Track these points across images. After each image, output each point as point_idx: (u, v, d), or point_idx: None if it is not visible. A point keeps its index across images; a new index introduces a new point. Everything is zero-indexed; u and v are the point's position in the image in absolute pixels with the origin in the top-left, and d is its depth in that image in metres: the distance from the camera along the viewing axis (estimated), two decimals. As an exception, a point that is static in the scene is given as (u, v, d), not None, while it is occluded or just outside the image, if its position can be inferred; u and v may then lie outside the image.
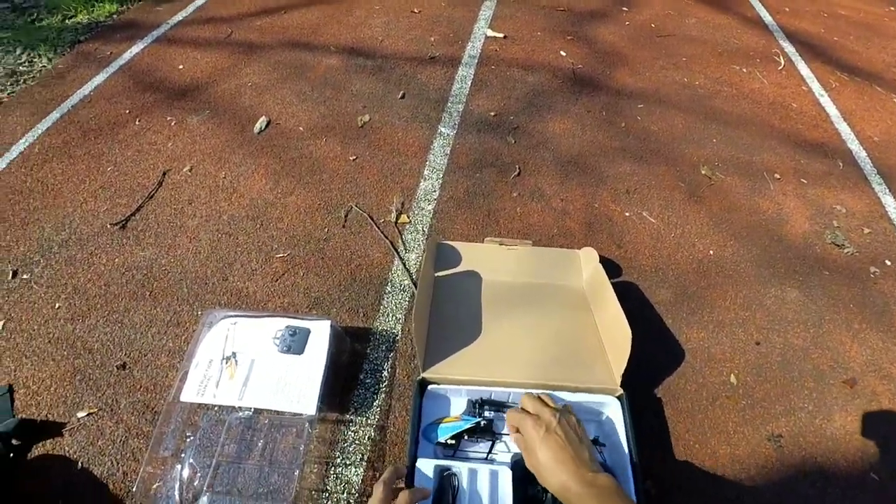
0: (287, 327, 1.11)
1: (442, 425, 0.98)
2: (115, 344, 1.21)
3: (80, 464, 1.03)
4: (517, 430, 0.81)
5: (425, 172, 1.64)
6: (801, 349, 1.31)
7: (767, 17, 2.81)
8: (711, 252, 1.52)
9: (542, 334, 1.17)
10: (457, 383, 1.06)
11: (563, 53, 2.25)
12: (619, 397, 1.04)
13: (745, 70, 2.32)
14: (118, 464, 1.04)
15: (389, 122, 1.81)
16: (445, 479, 0.93)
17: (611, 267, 1.43)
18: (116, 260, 1.37)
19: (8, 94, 1.95)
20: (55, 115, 1.83)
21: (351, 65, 2.06)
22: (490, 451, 0.97)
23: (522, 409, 0.83)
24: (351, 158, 1.67)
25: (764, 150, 1.90)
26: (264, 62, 2.06)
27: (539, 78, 2.09)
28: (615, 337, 1.12)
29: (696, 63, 2.31)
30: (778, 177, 1.80)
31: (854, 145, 2.02)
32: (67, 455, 1.04)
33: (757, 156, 1.87)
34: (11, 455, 1.03)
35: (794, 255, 1.54)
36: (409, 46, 2.18)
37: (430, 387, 1.05)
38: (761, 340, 1.31)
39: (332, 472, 1.03)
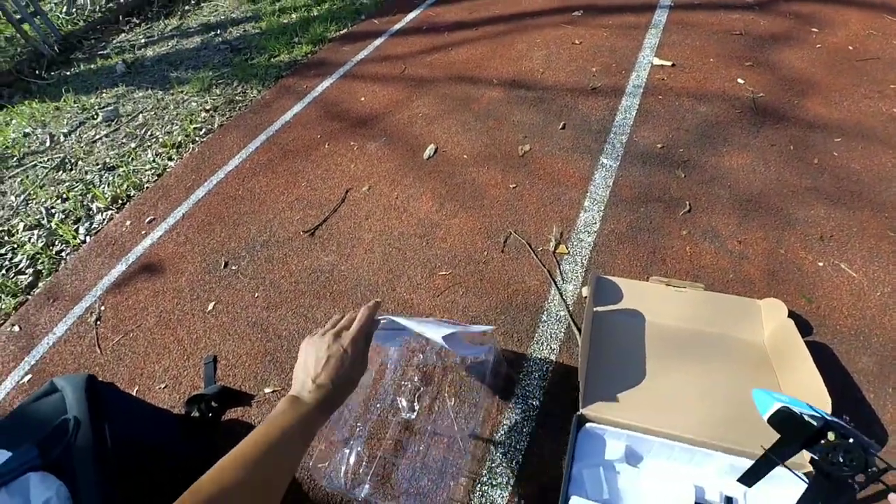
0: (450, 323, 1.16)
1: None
2: (300, 334, 1.39)
3: None
4: None
5: (586, 204, 1.61)
6: None
7: None
8: None
9: (715, 389, 1.06)
10: (616, 425, 1.01)
11: (740, 81, 2.07)
12: (806, 474, 0.89)
13: (979, 101, 1.88)
14: (295, 440, 1.18)
15: (549, 153, 1.83)
16: None
17: (799, 323, 1.24)
18: (305, 262, 1.59)
19: (227, 118, 2.41)
20: (262, 137, 2.21)
21: (512, 96, 2.14)
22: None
23: None
24: (511, 186, 1.72)
25: None
26: (433, 95, 2.24)
27: (713, 108, 1.94)
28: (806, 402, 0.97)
29: (910, 91, 1.94)
30: None
31: None
32: (254, 423, 1.22)
33: None
34: (210, 415, 1.24)
35: None
36: (570, 77, 2.20)
37: (587, 425, 1.02)
38: None
39: (478, 489, 1.04)
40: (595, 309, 1.23)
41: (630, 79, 2.14)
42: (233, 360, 1.37)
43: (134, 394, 1.32)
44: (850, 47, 2.24)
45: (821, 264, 1.39)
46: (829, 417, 0.44)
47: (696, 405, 1.03)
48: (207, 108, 2.51)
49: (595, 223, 1.55)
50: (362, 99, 2.32)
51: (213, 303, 1.52)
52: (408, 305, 1.40)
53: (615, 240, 1.50)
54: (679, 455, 0.97)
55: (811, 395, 0.96)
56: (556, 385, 1.19)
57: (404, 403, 1.11)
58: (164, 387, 1.33)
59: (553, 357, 1.24)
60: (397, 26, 2.93)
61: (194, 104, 2.56)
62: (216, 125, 2.36)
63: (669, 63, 2.20)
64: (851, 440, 0.40)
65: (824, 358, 1.19)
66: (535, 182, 1.72)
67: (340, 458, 1.07)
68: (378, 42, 2.80)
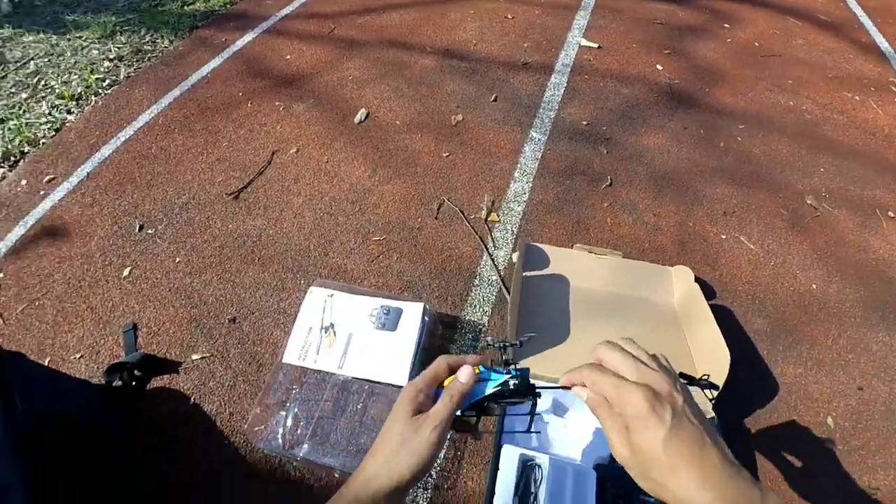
0: (382, 306, 1.18)
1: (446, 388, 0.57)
2: (227, 300, 1.33)
3: (192, 399, 1.16)
4: (602, 402, 0.47)
5: (516, 175, 1.68)
6: None
7: (884, 44, 2.64)
8: (814, 286, 1.45)
9: None
10: (543, 379, 1.09)
11: (659, 67, 2.23)
12: (710, 420, 1.03)
13: (857, 98, 2.20)
14: (226, 404, 1.15)
15: (482, 124, 1.87)
16: (529, 469, 0.96)
17: (704, 288, 1.40)
18: (230, 226, 1.50)
19: (135, 69, 2.17)
20: (177, 91, 2.02)
21: (445, 65, 2.14)
22: (532, 422, 0.57)
23: (606, 368, 0.49)
24: (444, 155, 1.74)
25: (877, 185, 1.78)
26: (364, 58, 2.18)
27: (634, 90, 2.08)
28: (710, 358, 1.10)
29: (804, 87, 2.21)
30: (892, 215, 1.69)
31: (977, 187, 1.86)
32: (182, 391, 1.17)
33: (868, 190, 1.76)
34: (133, 384, 1.16)
35: None
36: (503, 51, 2.24)
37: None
38: (864, 386, 1.24)
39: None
40: (524, 274, 1.30)
41: (559, 57, 2.23)
42: (155, 328, 1.28)
43: (46, 365, 1.20)
44: (756, 44, 2.49)
45: (724, 237, 1.56)
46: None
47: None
48: (111, 57, 2.23)
49: (524, 193, 1.62)
50: (288, 57, 2.19)
51: (129, 268, 1.40)
52: (342, 271, 1.38)
53: (543, 210, 1.58)
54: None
55: (714, 351, 1.08)
56: (490, 346, 1.25)
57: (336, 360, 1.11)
58: (80, 356, 1.22)
59: (485, 319, 1.30)
60: (327, -17, 2.77)
61: (95, 52, 2.27)
62: (122, 76, 2.12)
63: (596, 45, 2.31)
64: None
65: (725, 319, 1.34)
66: (468, 152, 1.75)
67: (277, 420, 1.07)
68: (305, -2, 2.64)
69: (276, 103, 1.94)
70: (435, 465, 1.06)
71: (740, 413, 1.17)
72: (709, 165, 1.79)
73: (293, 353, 1.12)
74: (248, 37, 2.34)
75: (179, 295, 1.34)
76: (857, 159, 1.88)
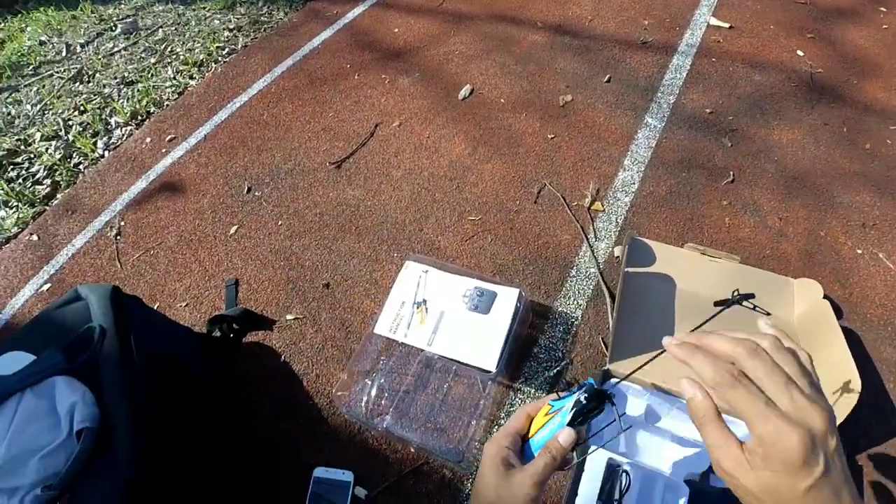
0: (476, 287, 1.15)
1: (535, 439, 0.52)
2: (322, 265, 1.37)
3: (283, 357, 1.21)
4: (715, 417, 0.40)
5: (626, 163, 1.55)
6: None
7: None
8: None
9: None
10: (639, 384, 1.01)
11: (800, 53, 1.95)
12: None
13: None
14: (314, 365, 1.19)
15: (592, 105, 1.74)
16: (615, 474, 0.90)
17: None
18: (331, 194, 1.55)
19: (252, 38, 2.29)
20: (289, 61, 2.10)
21: (556, 42, 2.02)
22: (620, 424, 0.52)
23: (750, 383, 0.38)
24: (549, 136, 1.65)
25: None
26: (472, 33, 2.12)
27: (768, 78, 1.83)
28: (834, 384, 0.97)
29: (980, 83, 1.83)
30: None
31: None
32: (274, 348, 1.23)
33: None
34: (232, 336, 1.24)
35: None
36: (620, 28, 2.07)
37: (612, 380, 1.02)
38: None
39: (496, 430, 1.05)
40: (626, 269, 1.20)
41: (684, 37, 2.02)
42: (255, 286, 1.36)
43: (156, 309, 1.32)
44: (919, 29, 2.10)
45: (859, 251, 1.35)
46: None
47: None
48: (231, 27, 2.38)
49: (634, 183, 1.50)
50: (395, 30, 2.19)
51: (236, 227, 1.50)
52: (435, 247, 1.37)
53: (653, 202, 1.45)
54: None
55: (842, 374, 0.95)
56: (580, 340, 1.18)
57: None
58: (185, 305, 1.33)
59: (579, 312, 1.23)
60: (438, -43, 2.73)
61: (217, 22, 2.43)
62: (240, 46, 2.25)
63: (727, 25, 2.07)
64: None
65: (850, 343, 1.16)
66: (575, 135, 1.65)
67: (362, 388, 1.08)
68: (415, -28, 2.62)
69: (383, 76, 1.96)
70: None
71: (856, 448, 1.02)
72: (850, 169, 1.54)
73: (385, 325, 1.12)
74: (359, 9, 2.37)
75: (279, 256, 1.41)
76: None
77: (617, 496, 0.89)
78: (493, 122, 1.71)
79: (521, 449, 0.52)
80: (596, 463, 0.92)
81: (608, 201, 1.45)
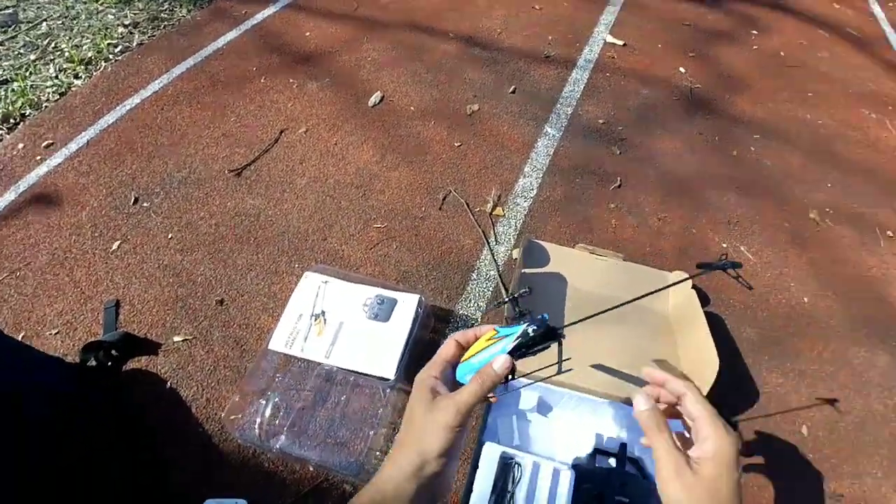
0: (377, 296, 1.14)
1: (468, 362, 0.51)
2: (216, 280, 1.30)
3: (168, 383, 1.12)
4: (665, 427, 0.47)
5: (526, 169, 1.62)
6: (882, 415, 1.20)
7: (918, 64, 2.52)
8: (806, 300, 1.40)
9: (622, 349, 1.14)
10: (528, 377, 1.05)
11: (682, 70, 2.14)
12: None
13: (874, 116, 2.10)
14: (203, 390, 1.12)
15: (497, 115, 1.80)
16: (508, 467, 0.93)
17: (698, 295, 1.36)
18: (228, 204, 1.47)
19: (149, 36, 2.14)
20: (189, 62, 1.98)
21: (467, 53, 2.08)
22: (560, 363, 0.53)
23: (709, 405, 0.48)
24: (455, 144, 1.68)
25: (880, 205, 1.71)
26: (385, 40, 2.12)
27: (654, 92, 2.00)
28: (699, 364, 1.07)
29: (823, 101, 2.12)
30: (890, 235, 1.62)
31: None
32: (159, 374, 1.14)
33: (872, 209, 1.69)
34: (110, 364, 1.13)
35: (894, 320, 1.39)
36: (526, 43, 2.16)
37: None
38: (841, 398, 1.22)
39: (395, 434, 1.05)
40: (522, 270, 1.25)
41: (583, 52, 2.15)
42: (138, 306, 1.25)
43: (20, 339, 1.18)
44: (782, 53, 2.39)
45: (725, 245, 1.51)
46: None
47: (602, 362, 1.10)
48: (126, 23, 2.20)
49: (532, 189, 1.57)
50: (307, 34, 2.14)
51: (119, 242, 1.37)
52: (339, 257, 1.34)
53: (549, 207, 1.52)
54: (584, 406, 1.04)
55: (705, 354, 1.05)
56: (480, 343, 1.21)
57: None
58: (57, 332, 1.19)
59: (478, 315, 1.26)
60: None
61: (111, 17, 2.24)
62: (135, 43, 2.09)
63: (621, 42, 2.23)
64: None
65: (716, 327, 1.30)
66: (480, 143, 1.70)
67: (256, 409, 1.03)
68: (330, -25, 2.58)
69: (291, 80, 1.90)
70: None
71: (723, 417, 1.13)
72: (720, 173, 1.72)
73: (280, 340, 1.08)
74: (270, 10, 2.29)
75: (168, 273, 1.31)
76: (864, 178, 1.80)
77: (510, 488, 0.92)
78: (401, 130, 1.71)
79: (452, 378, 0.50)
80: (489, 458, 0.95)
81: (509, 206, 1.51)
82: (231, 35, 2.14)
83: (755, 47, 2.40)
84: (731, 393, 1.19)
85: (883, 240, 1.61)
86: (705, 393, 0.97)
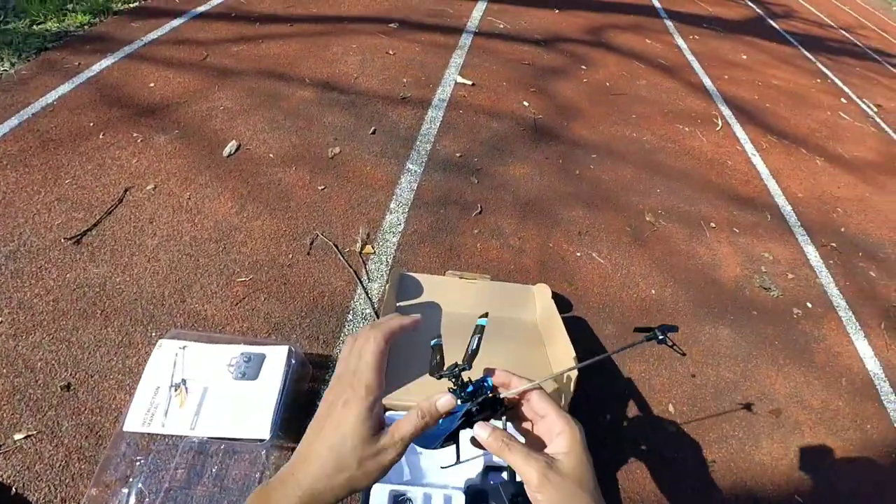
0: (242, 354, 1.11)
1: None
2: (59, 363, 1.16)
3: (14, 489, 0.98)
4: (512, 443, 0.48)
5: (392, 206, 1.70)
6: (732, 382, 1.44)
7: (709, 84, 3.12)
8: (653, 292, 1.65)
9: (502, 362, 1.22)
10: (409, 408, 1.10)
11: (525, 104, 2.42)
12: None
13: (687, 129, 2.57)
14: (57, 489, 0.99)
15: (359, 156, 1.87)
16: None
17: (563, 303, 1.53)
18: (68, 276, 1.33)
19: (-37, 95, 1.88)
20: (13, 121, 1.78)
21: (324, 98, 2.13)
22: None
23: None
24: (319, 188, 1.71)
25: (702, 202, 2.09)
26: (238, 88, 2.09)
27: (503, 125, 2.23)
28: (564, 369, 1.18)
29: (645, 121, 2.54)
30: (713, 226, 1.98)
31: (781, 200, 2.26)
32: (1, 479, 0.99)
33: (695, 206, 2.06)
34: None
35: (727, 297, 1.69)
36: (382, 86, 2.28)
37: (387, 413, 1.08)
38: (696, 373, 1.44)
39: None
40: (398, 304, 1.30)
41: (437, 92, 2.32)
42: (-36, 406, 1.08)
43: None
44: (608, 83, 2.81)
45: (579, 254, 1.71)
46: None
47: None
48: (-69, 78, 1.91)
49: (400, 224, 1.65)
50: (151, 85, 2.04)
51: (-68, 334, 1.18)
52: (201, 318, 1.28)
53: (417, 239, 1.61)
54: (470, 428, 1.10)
55: (565, 359, 1.16)
56: (360, 382, 1.23)
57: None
58: None
59: (357, 355, 1.28)
60: (201, 8, 2.64)
61: (-88, 72, 1.93)
62: (-58, 102, 1.82)
63: (470, 82, 2.45)
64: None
65: (581, 328, 1.48)
66: (344, 184, 1.74)
67: (119, 501, 0.94)
68: (177, 23, 2.49)
69: (134, 135, 1.79)
70: None
71: (597, 412, 1.28)
72: (566, 191, 1.97)
73: (136, 419, 1.00)
74: (107, 61, 2.14)
75: (1, 362, 1.15)
76: (685, 181, 2.19)
77: None
78: (261, 178, 1.70)
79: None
80: (378, 500, 0.96)
81: (378, 243, 1.57)
82: (63, 89, 1.96)
83: (585, 80, 2.79)
84: (605, 385, 1.34)
85: (707, 230, 1.95)
86: (571, 392, 1.09)
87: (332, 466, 0.43)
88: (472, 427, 0.48)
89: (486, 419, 0.48)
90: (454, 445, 0.50)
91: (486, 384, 0.49)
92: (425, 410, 0.45)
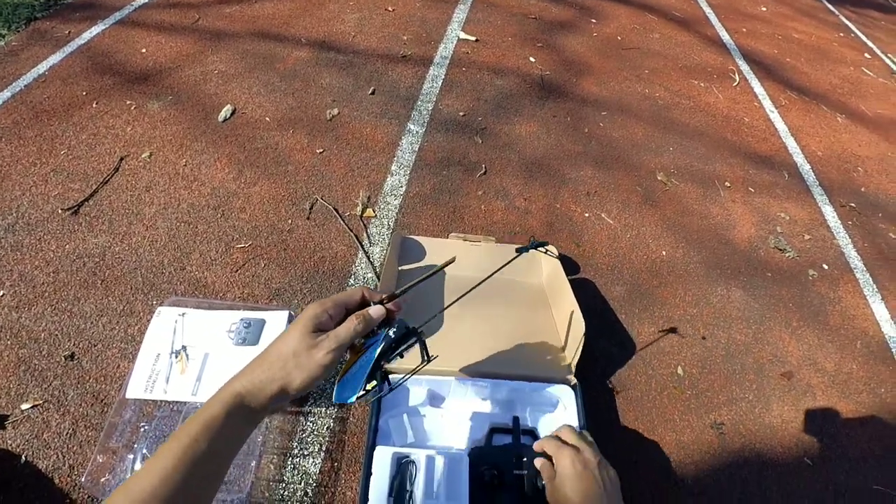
0: (241, 319, 1.10)
1: (344, 378, 0.58)
2: (63, 333, 1.16)
3: (23, 457, 0.99)
4: (547, 458, 0.77)
5: (393, 168, 1.65)
6: (744, 344, 1.40)
7: (726, 37, 2.96)
8: (664, 253, 1.59)
9: (503, 327, 1.20)
10: (419, 374, 1.08)
11: (532, 60, 2.31)
12: (573, 387, 1.09)
13: (702, 85, 2.44)
14: (65, 457, 1.00)
15: (358, 117, 1.81)
16: (403, 466, 0.94)
17: (569, 264, 1.48)
18: (67, 246, 1.32)
19: (-48, 70, 1.84)
20: (6, 94, 1.74)
21: (321, 58, 2.05)
22: (426, 359, 0.65)
23: (558, 437, 0.79)
24: (318, 151, 1.66)
25: (716, 160, 2.00)
26: (232, 50, 2.02)
27: (508, 82, 2.13)
28: (571, 330, 1.16)
29: (658, 76, 2.42)
30: (728, 185, 1.90)
31: (799, 158, 2.15)
32: (10, 449, 1.00)
33: (709, 165, 1.97)
34: None
35: (740, 258, 1.64)
36: (382, 44, 2.19)
37: (389, 376, 1.06)
38: (707, 335, 1.40)
39: (289, 463, 1.02)
40: (400, 267, 1.28)
41: (438, 50, 2.22)
42: (-31, 380, 1.08)
43: None
44: (619, 37, 2.67)
45: (587, 215, 1.66)
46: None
47: (488, 343, 1.15)
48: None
49: (401, 186, 1.60)
50: (143, 51, 1.97)
51: (-62, 307, 1.18)
52: (201, 285, 1.27)
53: (420, 201, 1.57)
54: (474, 390, 1.08)
55: (572, 323, 1.14)
56: (363, 346, 1.21)
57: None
58: None
59: (360, 320, 1.26)
60: (190, -30, 2.53)
61: None
62: (-67, 76, 1.78)
63: (474, 38, 2.34)
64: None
65: (588, 290, 1.44)
66: (343, 147, 1.69)
67: (125, 466, 0.94)
68: (166, -14, 2.40)
69: (128, 102, 1.74)
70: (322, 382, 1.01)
71: (604, 375, 1.25)
72: (575, 150, 1.89)
73: (137, 386, 0.99)
74: (97, 28, 2.08)
75: (4, 335, 1.15)
76: (700, 139, 2.10)
77: (408, 486, 0.93)
78: (258, 143, 1.65)
79: (340, 322, 0.54)
80: (382, 463, 0.95)
81: (379, 207, 1.53)
82: (54, 59, 1.90)
83: (595, 34, 2.65)
84: (611, 347, 1.31)
85: (722, 190, 1.87)
86: (579, 352, 1.06)
87: (270, 362, 0.50)
88: (398, 357, 0.58)
89: (399, 346, 0.58)
90: (376, 384, 0.57)
91: (401, 322, 0.59)
92: (361, 318, 0.53)
